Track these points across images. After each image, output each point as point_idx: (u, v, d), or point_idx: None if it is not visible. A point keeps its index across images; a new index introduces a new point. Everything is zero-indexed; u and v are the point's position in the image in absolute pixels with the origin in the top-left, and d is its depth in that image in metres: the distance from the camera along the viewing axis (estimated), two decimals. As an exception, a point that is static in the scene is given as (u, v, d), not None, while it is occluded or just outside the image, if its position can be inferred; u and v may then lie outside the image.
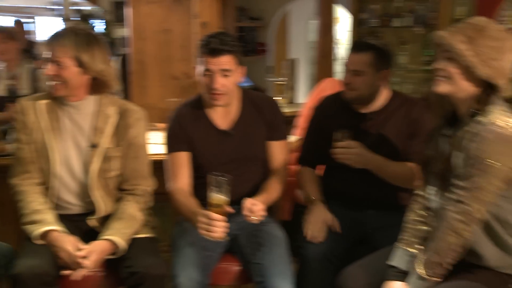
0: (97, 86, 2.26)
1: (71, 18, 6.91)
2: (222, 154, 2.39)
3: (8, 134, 2.58)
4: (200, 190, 2.36)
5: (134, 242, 2.21)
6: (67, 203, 2.27)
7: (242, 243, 2.31)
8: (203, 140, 2.39)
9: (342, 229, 2.38)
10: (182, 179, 2.41)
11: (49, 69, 2.15)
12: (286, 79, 4.04)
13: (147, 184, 2.32)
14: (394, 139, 2.42)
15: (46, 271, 2.01)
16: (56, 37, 2.17)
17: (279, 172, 2.44)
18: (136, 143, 2.30)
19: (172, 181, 2.41)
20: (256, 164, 2.45)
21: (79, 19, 6.96)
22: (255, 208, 2.16)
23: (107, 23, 6.46)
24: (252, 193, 2.35)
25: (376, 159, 2.37)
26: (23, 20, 6.76)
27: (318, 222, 2.37)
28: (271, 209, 2.36)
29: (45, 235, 2.09)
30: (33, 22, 8.31)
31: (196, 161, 2.42)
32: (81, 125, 2.26)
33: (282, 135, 2.49)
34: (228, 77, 2.29)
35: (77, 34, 2.19)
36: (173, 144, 2.45)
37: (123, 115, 2.30)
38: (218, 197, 2.11)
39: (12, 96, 3.49)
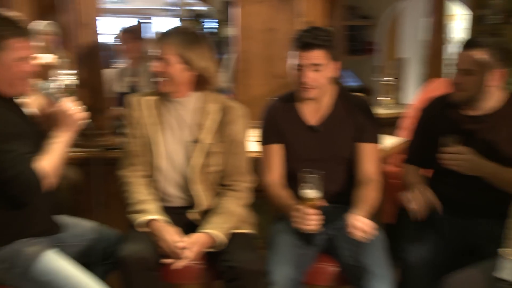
0: (200, 83, 2.32)
1: (185, 18, 7.16)
2: (308, 150, 2.39)
3: (119, 128, 2.73)
4: (289, 182, 2.40)
5: (233, 237, 2.26)
6: (170, 195, 2.36)
7: (339, 244, 2.28)
8: (292, 134, 2.41)
9: (448, 236, 2.31)
10: (275, 172, 2.44)
11: (156, 66, 2.26)
12: (394, 79, 3.93)
13: (247, 180, 2.35)
14: (508, 144, 2.27)
15: (148, 256, 2.10)
16: (163, 36, 2.26)
17: (372, 178, 2.37)
18: (237, 139, 2.35)
19: (265, 174, 2.45)
20: (342, 164, 2.42)
21: (192, 18, 7.19)
22: (360, 225, 2.14)
23: (218, 23, 6.60)
24: (339, 193, 2.35)
25: (489, 166, 2.24)
26: (141, 21, 7.13)
27: (421, 199, 2.31)
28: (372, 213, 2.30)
29: (148, 224, 2.19)
30: (150, 23, 8.70)
31: (286, 154, 2.44)
32: (185, 121, 2.34)
33: (372, 138, 2.43)
34: (319, 71, 2.28)
35: (182, 33, 2.28)
36: (266, 137, 2.49)
37: (225, 112, 2.35)
38: (311, 192, 2.14)
39: (133, 93, 3.67)
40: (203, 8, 7.37)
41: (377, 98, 4.68)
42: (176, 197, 2.36)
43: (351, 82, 5.79)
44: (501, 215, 2.18)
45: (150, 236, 2.19)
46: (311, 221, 2.15)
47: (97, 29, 2.86)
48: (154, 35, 2.33)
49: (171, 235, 2.16)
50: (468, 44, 2.32)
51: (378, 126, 2.46)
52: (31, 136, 2.11)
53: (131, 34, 4.22)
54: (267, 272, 2.16)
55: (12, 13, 2.07)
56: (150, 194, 2.31)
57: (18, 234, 2.09)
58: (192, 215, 2.32)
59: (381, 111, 4.28)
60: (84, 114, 2.12)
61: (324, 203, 2.19)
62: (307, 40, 2.28)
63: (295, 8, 3.13)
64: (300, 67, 2.30)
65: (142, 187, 2.31)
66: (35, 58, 2.14)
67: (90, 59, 2.82)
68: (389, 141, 3.12)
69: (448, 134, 2.26)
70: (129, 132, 2.35)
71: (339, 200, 2.35)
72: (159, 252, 2.17)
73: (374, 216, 2.27)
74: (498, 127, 2.30)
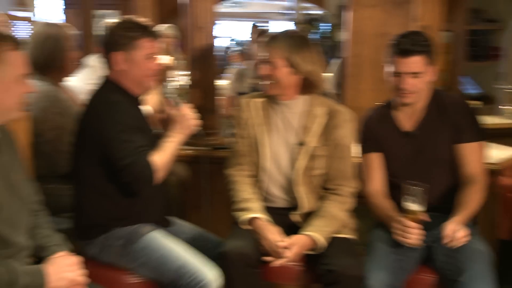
0: (306, 86, 2.33)
1: (299, 22, 7.18)
2: (405, 156, 2.32)
3: (228, 128, 2.81)
4: (390, 191, 2.35)
5: (333, 241, 2.24)
6: (273, 196, 2.38)
7: (438, 257, 2.19)
8: (388, 141, 2.38)
9: None
10: (375, 181, 2.40)
11: (263, 69, 2.29)
12: None
13: (351, 185, 2.33)
14: None
15: (250, 253, 2.13)
16: (271, 40, 2.29)
17: (475, 179, 2.26)
18: (343, 144, 2.33)
19: (366, 183, 2.41)
20: (443, 168, 2.33)
21: (307, 22, 7.18)
22: (457, 235, 2.05)
23: (332, 27, 6.56)
24: (441, 199, 2.26)
25: None
26: (258, 24, 7.28)
27: None
28: (475, 220, 2.20)
29: (251, 222, 2.23)
30: (268, 26, 8.84)
31: (385, 162, 2.39)
32: (291, 123, 2.35)
33: (473, 137, 2.32)
34: (418, 78, 2.23)
35: (290, 37, 2.30)
36: (364, 146, 2.46)
37: (331, 116, 2.34)
38: (413, 206, 2.09)
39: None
40: (318, 12, 7.37)
41: (499, 106, 4.40)
42: (279, 198, 2.38)
43: (470, 89, 5.51)
44: None
45: (252, 234, 2.22)
46: (412, 235, 2.09)
47: (212, 32, 2.93)
48: (262, 39, 2.36)
49: (273, 234, 2.18)
50: None
51: (477, 124, 2.34)
52: (147, 132, 2.24)
53: (260, 34, 4.28)
54: (363, 278, 2.12)
55: (141, 18, 2.24)
56: (254, 193, 2.34)
57: (133, 221, 2.21)
58: (294, 216, 2.33)
59: (503, 120, 4.07)
60: (199, 121, 2.23)
61: (426, 217, 2.12)
62: (405, 46, 2.23)
63: (410, 12, 3.04)
64: (398, 74, 2.25)
65: (247, 186, 2.35)
66: (158, 58, 2.29)
67: (203, 61, 2.90)
68: (507, 153, 2.95)
69: None
70: (237, 132, 2.41)
71: (439, 207, 2.25)
72: (261, 250, 2.19)
73: (476, 224, 2.17)
74: None
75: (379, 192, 2.38)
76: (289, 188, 2.35)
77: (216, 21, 2.99)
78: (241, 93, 3.95)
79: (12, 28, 5.03)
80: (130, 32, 2.19)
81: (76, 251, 1.97)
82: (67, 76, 2.76)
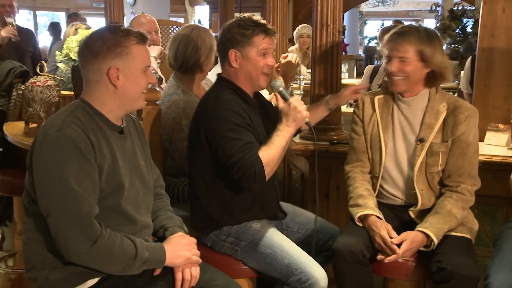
0: (433, 79, 2.20)
1: (443, 18, 6.81)
2: None
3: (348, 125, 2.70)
4: None
5: (448, 239, 2.10)
6: (390, 193, 2.28)
7: None
8: None
9: None
10: None
11: (393, 65, 2.16)
12: None
13: (471, 183, 2.15)
14: None
15: (361, 250, 2.06)
16: (400, 35, 2.16)
17: None
18: (464, 139, 2.15)
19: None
20: None
21: (450, 18, 6.79)
22: None
23: (476, 22, 6.15)
24: None
25: None
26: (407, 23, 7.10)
27: None
28: None
29: (365, 218, 2.14)
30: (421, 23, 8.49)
31: None
32: (411, 120, 2.24)
33: None
34: None
35: (417, 31, 2.17)
36: None
37: (453, 111, 2.18)
38: None
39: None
40: (467, 8, 6.94)
41: None
42: (396, 196, 2.27)
43: None
44: None
45: (365, 231, 2.14)
46: None
47: (339, 33, 2.84)
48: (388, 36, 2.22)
49: (387, 231, 2.08)
50: None
51: None
52: (260, 127, 2.22)
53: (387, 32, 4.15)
54: (485, 275, 1.95)
55: (251, 15, 2.22)
56: (370, 189, 2.25)
57: (245, 218, 2.22)
58: (412, 213, 2.21)
59: None
60: (308, 113, 2.16)
61: None
62: None
63: None
64: None
65: (364, 182, 2.27)
66: (281, 56, 2.24)
67: (327, 61, 2.80)
68: None
69: None
70: (356, 129, 2.33)
71: None
72: (373, 246, 2.11)
73: None
74: None
75: None
76: (407, 185, 2.24)
77: (365, 20, 2.89)
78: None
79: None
80: (245, 28, 2.17)
81: (192, 235, 2.01)
82: (203, 75, 2.78)
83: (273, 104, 2.42)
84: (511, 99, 2.75)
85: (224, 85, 2.22)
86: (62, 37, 5.61)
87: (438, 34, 2.27)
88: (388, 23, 9.07)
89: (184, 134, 2.56)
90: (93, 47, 1.78)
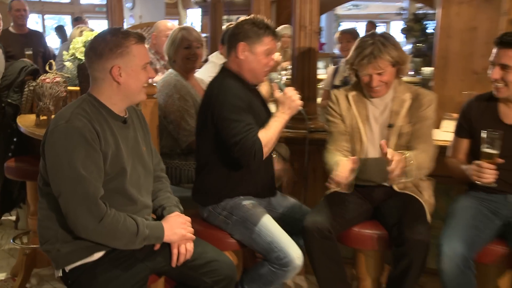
0: (397, 73, 2.22)
1: (408, 21, 6.90)
2: (507, 149, 2.04)
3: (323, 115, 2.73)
4: None
5: (408, 209, 2.13)
6: (367, 177, 2.26)
7: None
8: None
9: None
10: (457, 157, 2.27)
11: (375, 81, 2.17)
12: None
13: (430, 145, 2.18)
14: None
15: (327, 227, 2.07)
16: (372, 56, 2.13)
17: None
18: (423, 114, 2.20)
19: (450, 156, 2.32)
20: None
21: (414, 21, 6.91)
22: None
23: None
24: None
25: None
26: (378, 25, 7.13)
27: None
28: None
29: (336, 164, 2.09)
30: (385, 26, 8.56)
31: (477, 149, 2.13)
32: (382, 110, 2.26)
33: None
34: (509, 72, 2.03)
35: (384, 44, 2.14)
36: (457, 130, 2.30)
37: (417, 97, 2.22)
38: (489, 149, 1.97)
39: (343, 86, 3.63)
40: (429, 12, 7.01)
41: None
42: (373, 179, 2.27)
43: None
44: None
45: (330, 208, 2.15)
46: (489, 174, 1.97)
47: (316, 33, 2.86)
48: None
49: (343, 167, 2.03)
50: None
51: None
52: (259, 112, 2.22)
53: (348, 35, 4.18)
54: (438, 245, 2.00)
55: (264, 18, 2.22)
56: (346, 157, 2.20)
57: (242, 190, 2.24)
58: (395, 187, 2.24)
59: None
60: (302, 102, 2.18)
61: (501, 161, 1.97)
62: (503, 38, 2.04)
63: (500, 6, 2.75)
64: (493, 65, 2.07)
65: (341, 155, 2.23)
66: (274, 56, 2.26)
67: (305, 59, 2.83)
68: None
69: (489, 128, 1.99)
70: (334, 119, 2.32)
71: None
72: (339, 222, 2.12)
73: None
74: None
75: (457, 158, 2.28)
76: (384, 167, 2.18)
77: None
78: (334, 86, 3.87)
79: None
80: (258, 27, 2.17)
81: (187, 213, 2.02)
82: (189, 70, 2.84)
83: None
84: (463, 92, 2.80)
85: (228, 73, 2.23)
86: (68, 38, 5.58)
87: (392, 35, 2.28)
88: (361, 24, 9.12)
89: (176, 107, 2.64)
90: (97, 49, 1.79)
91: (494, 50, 2.09)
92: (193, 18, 10.80)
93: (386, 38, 2.18)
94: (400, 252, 2.02)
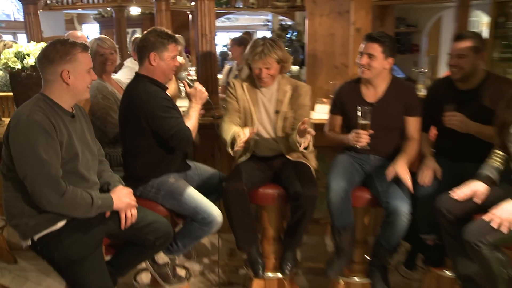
0: (280, 70, 2.56)
1: (275, 31, 7.48)
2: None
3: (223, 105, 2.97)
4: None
5: (301, 169, 2.45)
6: (260, 150, 2.58)
7: (373, 181, 2.46)
8: (353, 108, 2.49)
9: (447, 177, 2.37)
10: (333, 131, 2.65)
11: (264, 73, 2.49)
12: (425, 70, 4.03)
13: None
14: (488, 110, 2.33)
15: (242, 187, 2.34)
16: (262, 52, 2.45)
17: (414, 139, 2.52)
18: (302, 101, 2.54)
19: (327, 130, 2.67)
20: (395, 132, 2.53)
21: (280, 30, 7.51)
22: (398, 171, 2.28)
23: (298, 32, 6.90)
24: (393, 151, 2.50)
25: (473, 125, 2.35)
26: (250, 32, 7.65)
27: (429, 171, 2.39)
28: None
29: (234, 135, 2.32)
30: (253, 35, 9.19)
31: (348, 122, 2.58)
32: (269, 98, 2.59)
33: (416, 113, 2.52)
34: (372, 59, 2.42)
35: (273, 46, 2.47)
36: (332, 108, 2.68)
37: (296, 88, 2.56)
38: (363, 121, 2.33)
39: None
40: (289, 22, 7.75)
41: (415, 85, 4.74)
42: (265, 153, 2.57)
43: (397, 74, 5.83)
44: (480, 159, 2.26)
45: (242, 172, 2.39)
46: (363, 139, 2.33)
47: (214, 39, 3.15)
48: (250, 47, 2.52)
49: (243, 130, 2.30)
50: (459, 37, 2.41)
51: (419, 104, 2.56)
52: (176, 108, 2.44)
53: (236, 42, 4.56)
54: (327, 185, 2.34)
55: (166, 29, 2.44)
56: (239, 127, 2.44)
57: (165, 170, 2.45)
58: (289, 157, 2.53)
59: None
60: (207, 94, 2.46)
61: (371, 131, 2.34)
62: (369, 35, 2.46)
63: (349, 18, 3.25)
64: (361, 54, 2.47)
65: (232, 125, 2.45)
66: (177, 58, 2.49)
67: (207, 60, 3.11)
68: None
69: (448, 103, 2.37)
70: (230, 100, 2.59)
71: (388, 156, 2.51)
72: (252, 182, 2.40)
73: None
74: (481, 98, 2.38)
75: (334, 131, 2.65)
76: (272, 142, 2.58)
77: (215, 31, 3.21)
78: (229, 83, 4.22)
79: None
80: (162, 38, 2.37)
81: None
82: (106, 73, 2.97)
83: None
84: (329, 82, 3.27)
85: (146, 80, 2.39)
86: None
87: (279, 39, 2.61)
88: (233, 34, 9.69)
89: (101, 105, 2.77)
90: (49, 56, 1.93)
91: (362, 44, 2.43)
92: (91, 32, 10.39)
93: (274, 41, 2.51)
94: (295, 205, 2.30)
